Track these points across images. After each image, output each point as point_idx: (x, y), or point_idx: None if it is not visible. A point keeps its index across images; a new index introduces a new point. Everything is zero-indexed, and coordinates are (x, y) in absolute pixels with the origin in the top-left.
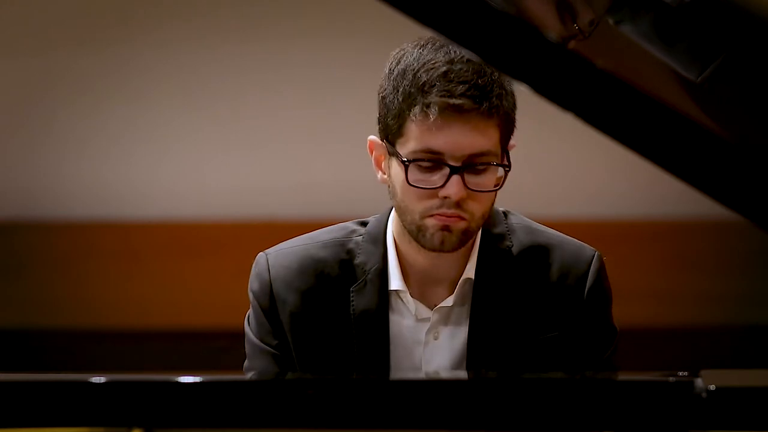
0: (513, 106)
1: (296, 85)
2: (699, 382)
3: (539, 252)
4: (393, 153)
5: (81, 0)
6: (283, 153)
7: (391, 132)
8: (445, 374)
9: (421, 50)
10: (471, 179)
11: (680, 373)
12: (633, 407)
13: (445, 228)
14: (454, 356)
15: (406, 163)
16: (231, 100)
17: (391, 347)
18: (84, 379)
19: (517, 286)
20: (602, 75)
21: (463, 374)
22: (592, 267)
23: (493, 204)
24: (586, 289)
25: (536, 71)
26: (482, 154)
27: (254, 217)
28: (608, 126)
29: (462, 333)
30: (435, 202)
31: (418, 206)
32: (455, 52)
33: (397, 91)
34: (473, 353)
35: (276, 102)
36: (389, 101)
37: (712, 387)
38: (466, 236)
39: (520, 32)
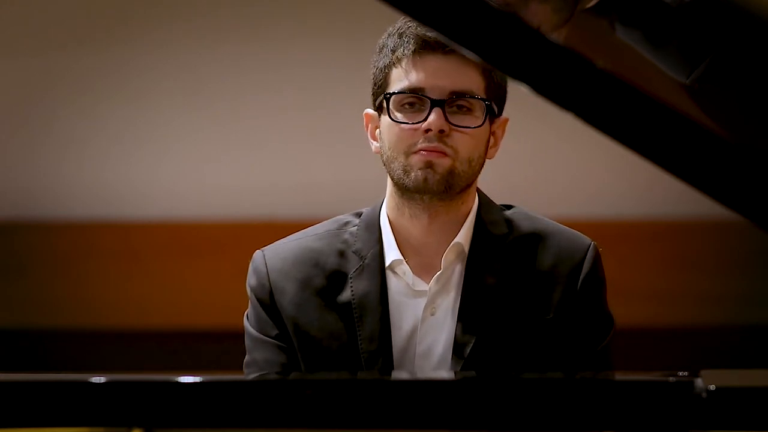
0: None
1: (296, 85)
2: (699, 382)
3: (535, 238)
4: (380, 107)
5: (81, 0)
6: (283, 153)
7: (379, 88)
8: (444, 374)
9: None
10: (454, 117)
11: (680, 373)
12: (633, 407)
13: (429, 165)
14: (449, 334)
15: (388, 96)
16: (231, 100)
17: (392, 327)
18: (84, 379)
19: (511, 266)
20: (602, 75)
21: (462, 374)
22: (587, 256)
23: (482, 159)
24: (581, 278)
25: (536, 71)
26: (464, 92)
27: (254, 217)
28: (608, 126)
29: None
30: (418, 138)
31: (403, 146)
32: None
33: (382, 51)
34: (463, 323)
35: (276, 102)
36: (376, 63)
37: (712, 387)
38: (452, 177)
39: (520, 32)
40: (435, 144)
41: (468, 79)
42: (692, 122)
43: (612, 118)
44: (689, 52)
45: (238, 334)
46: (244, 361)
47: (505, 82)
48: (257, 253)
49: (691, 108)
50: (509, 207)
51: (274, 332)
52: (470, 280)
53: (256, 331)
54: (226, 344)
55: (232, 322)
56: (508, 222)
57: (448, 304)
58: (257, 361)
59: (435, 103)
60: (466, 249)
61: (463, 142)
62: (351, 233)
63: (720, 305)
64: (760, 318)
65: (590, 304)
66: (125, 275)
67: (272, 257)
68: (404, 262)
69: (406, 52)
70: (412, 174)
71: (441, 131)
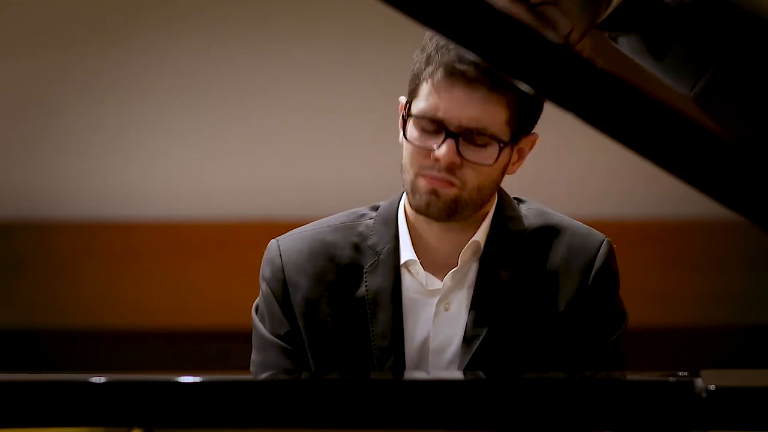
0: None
1: (296, 86)
2: (699, 382)
3: (549, 233)
4: (406, 112)
5: (81, 0)
6: (283, 153)
7: (410, 92)
8: (445, 374)
9: None
10: (468, 150)
11: (680, 373)
12: (633, 407)
13: (434, 192)
14: (463, 330)
15: (405, 117)
16: (231, 100)
17: (405, 324)
18: (84, 379)
19: (525, 261)
20: (602, 75)
21: (462, 374)
22: (600, 251)
23: (496, 183)
24: (593, 273)
25: (536, 71)
26: (482, 129)
27: (254, 217)
28: (608, 126)
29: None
30: (429, 163)
31: (414, 165)
32: None
33: (422, 51)
34: (474, 317)
35: (276, 102)
36: (415, 61)
37: (712, 387)
38: (456, 205)
39: (520, 32)
40: (442, 174)
41: (488, 115)
42: (692, 122)
43: (612, 118)
44: (692, 63)
45: (238, 334)
46: (252, 359)
47: (538, 104)
48: (272, 243)
49: (691, 108)
50: (521, 201)
51: (285, 330)
52: (484, 275)
53: (267, 330)
54: (226, 344)
55: (232, 322)
56: (523, 217)
57: (462, 299)
58: (265, 363)
59: (449, 135)
60: (482, 245)
61: (473, 176)
62: (367, 226)
63: (720, 305)
64: (760, 318)
65: (602, 298)
66: (125, 275)
67: (287, 249)
68: (418, 263)
69: (436, 73)
70: (417, 196)
71: (451, 163)
